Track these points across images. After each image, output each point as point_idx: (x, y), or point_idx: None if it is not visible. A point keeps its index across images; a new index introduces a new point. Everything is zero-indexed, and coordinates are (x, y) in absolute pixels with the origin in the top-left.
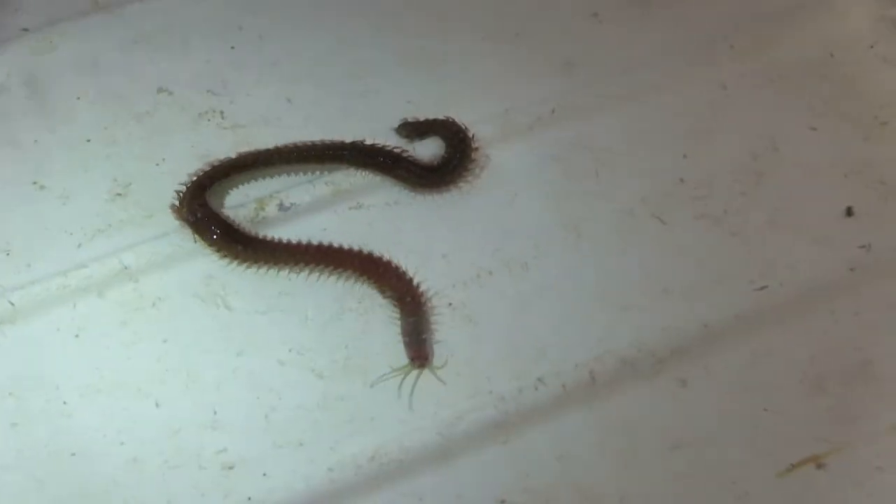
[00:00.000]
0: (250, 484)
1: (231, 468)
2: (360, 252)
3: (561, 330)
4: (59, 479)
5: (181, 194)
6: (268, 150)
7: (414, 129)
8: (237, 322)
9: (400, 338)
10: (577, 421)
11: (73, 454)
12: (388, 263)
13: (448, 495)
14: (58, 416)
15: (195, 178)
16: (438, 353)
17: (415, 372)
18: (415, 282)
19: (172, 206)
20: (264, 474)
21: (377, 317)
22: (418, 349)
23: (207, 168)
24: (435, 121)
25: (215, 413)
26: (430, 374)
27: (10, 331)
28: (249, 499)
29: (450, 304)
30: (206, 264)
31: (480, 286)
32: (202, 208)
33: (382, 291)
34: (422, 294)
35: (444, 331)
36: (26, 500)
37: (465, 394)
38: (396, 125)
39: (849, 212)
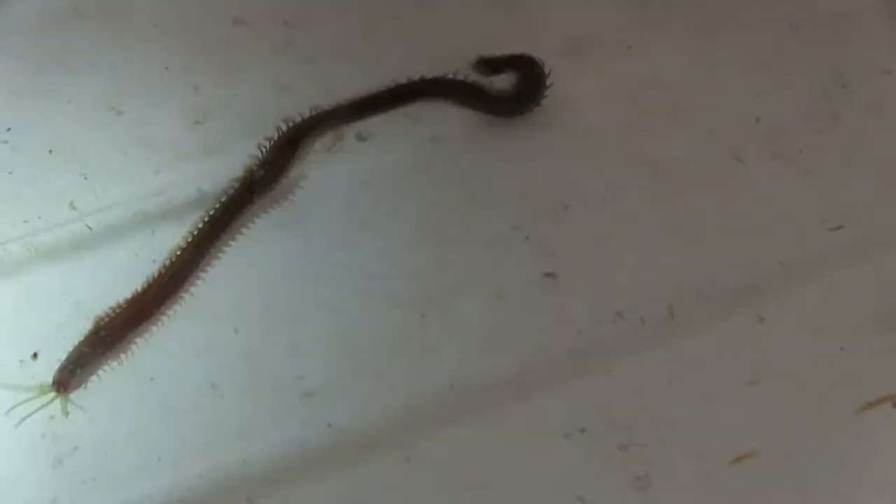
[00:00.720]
0: (329, 411)
1: (310, 395)
2: None
3: (638, 265)
4: (137, 403)
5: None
6: (360, 99)
7: (489, 65)
8: (316, 250)
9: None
10: (655, 354)
11: (152, 378)
12: None
13: (526, 424)
14: (136, 341)
15: (283, 133)
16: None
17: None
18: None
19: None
20: (343, 402)
21: (455, 249)
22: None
23: (300, 120)
24: (510, 56)
25: (294, 340)
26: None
27: (88, 255)
28: (329, 425)
29: (527, 237)
30: (284, 191)
31: (558, 220)
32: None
33: None
34: None
35: (521, 263)
36: (103, 424)
37: (541, 326)
38: (473, 61)
39: None
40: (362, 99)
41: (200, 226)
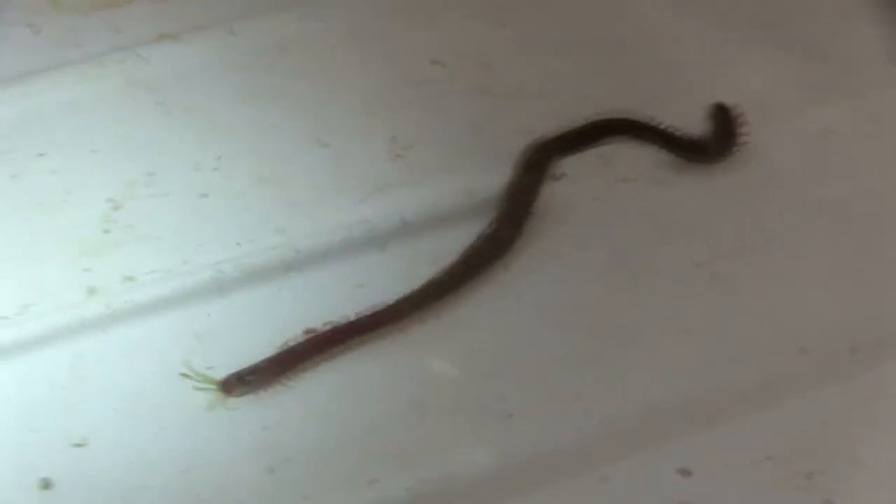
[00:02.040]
0: (528, 431)
1: (511, 416)
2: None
3: (822, 304)
4: (343, 416)
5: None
6: (568, 133)
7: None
8: (511, 282)
9: (657, 313)
10: (839, 388)
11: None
12: None
13: (715, 452)
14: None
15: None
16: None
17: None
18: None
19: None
20: (541, 423)
21: (645, 284)
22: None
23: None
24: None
25: (496, 364)
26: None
27: (297, 277)
28: (532, 446)
29: (714, 274)
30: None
31: (744, 260)
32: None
33: None
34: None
35: (707, 300)
36: (311, 434)
37: (729, 358)
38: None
39: None
40: (569, 132)
41: (441, 277)
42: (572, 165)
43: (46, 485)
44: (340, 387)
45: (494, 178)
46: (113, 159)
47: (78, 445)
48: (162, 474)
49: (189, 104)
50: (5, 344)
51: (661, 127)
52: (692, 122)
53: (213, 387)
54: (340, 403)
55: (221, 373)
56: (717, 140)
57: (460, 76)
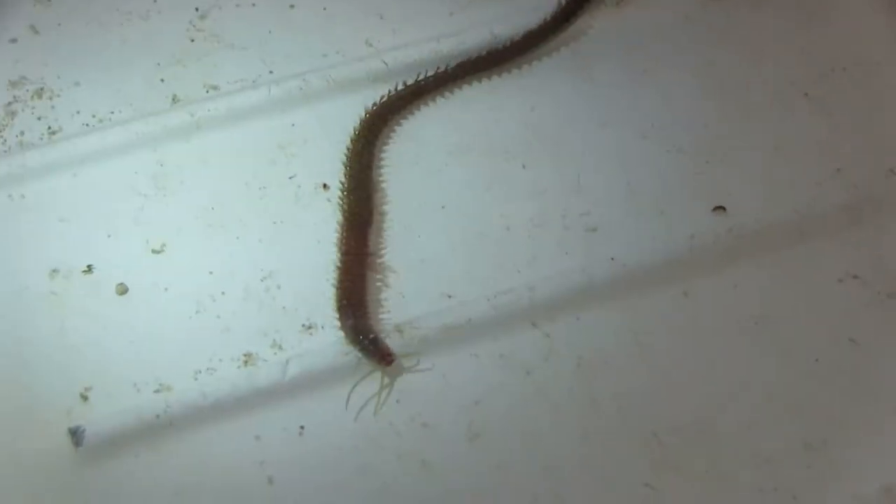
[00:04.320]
0: (612, 246)
1: (594, 230)
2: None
3: None
4: (430, 231)
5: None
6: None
7: None
8: (601, 96)
9: (747, 131)
10: None
11: (443, 207)
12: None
13: (801, 269)
14: (430, 173)
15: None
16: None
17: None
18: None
19: None
20: (625, 238)
21: (735, 102)
22: (377, 349)
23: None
24: None
25: (579, 179)
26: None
27: (382, 89)
28: (612, 259)
29: (805, 94)
30: (569, 39)
31: (835, 80)
32: None
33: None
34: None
35: (799, 118)
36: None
37: (817, 179)
38: None
39: None
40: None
41: (495, 49)
42: None
43: (123, 290)
44: (423, 204)
45: None
46: None
47: (156, 252)
48: (242, 281)
49: None
50: (89, 149)
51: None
52: None
53: (383, 369)
54: (424, 218)
55: (303, 181)
56: None
57: None
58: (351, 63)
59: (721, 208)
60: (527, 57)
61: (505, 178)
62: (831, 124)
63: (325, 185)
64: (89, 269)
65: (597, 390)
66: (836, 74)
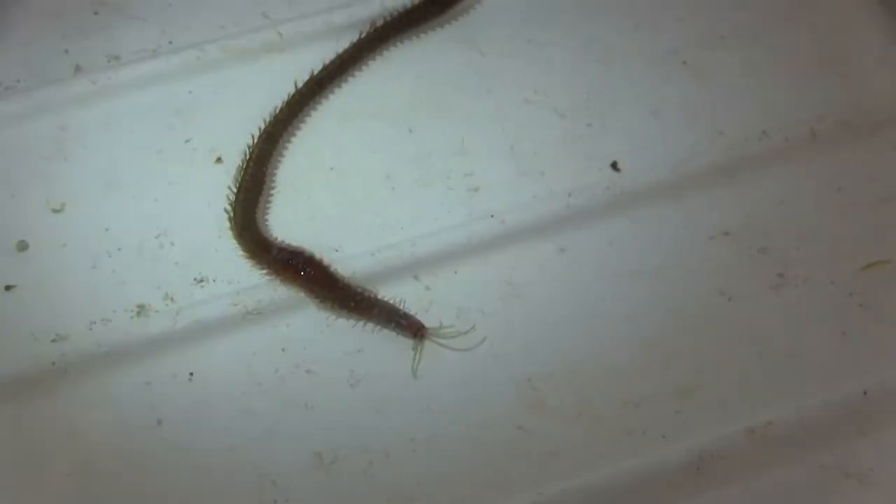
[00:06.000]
0: (492, 204)
1: (476, 190)
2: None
3: (784, 91)
4: (320, 191)
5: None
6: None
7: None
8: (487, 64)
9: (627, 96)
10: (797, 172)
11: (332, 168)
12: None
13: (674, 226)
14: (320, 136)
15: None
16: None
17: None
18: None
19: None
20: (506, 197)
21: (617, 69)
22: (412, 324)
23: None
24: None
25: (463, 143)
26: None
27: (277, 59)
28: (492, 216)
29: (684, 62)
30: (460, 9)
31: (712, 48)
32: None
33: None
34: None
35: (676, 84)
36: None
37: (694, 140)
38: None
39: None
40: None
41: (379, 24)
42: None
43: (23, 246)
44: (311, 165)
45: None
46: None
47: (56, 211)
48: (137, 238)
49: None
50: None
51: None
52: None
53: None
54: (313, 180)
55: (198, 145)
56: None
57: None
58: (247, 34)
59: (614, 166)
60: (416, 30)
61: (392, 141)
62: (708, 89)
63: (219, 159)
64: None
65: (474, 339)
66: (715, 42)
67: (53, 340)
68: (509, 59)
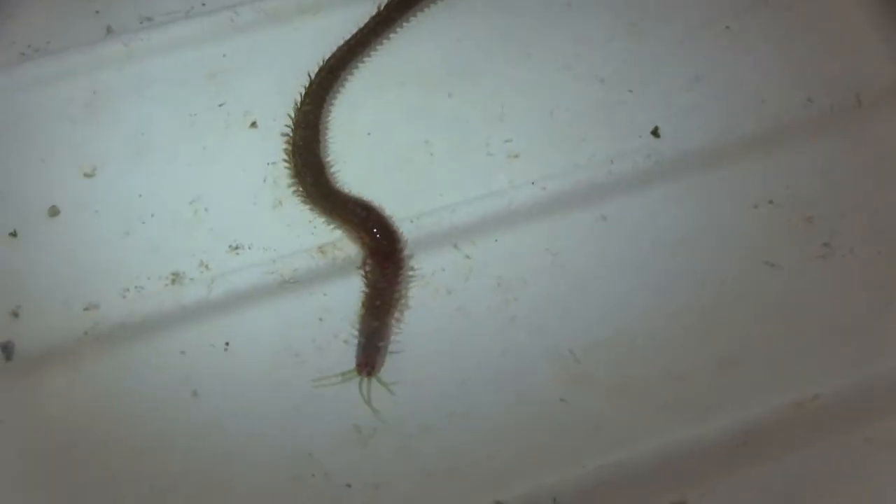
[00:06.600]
0: (533, 171)
1: (516, 157)
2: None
3: (829, 58)
4: (355, 157)
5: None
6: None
7: None
8: (525, 28)
9: (668, 63)
10: (842, 139)
11: (369, 134)
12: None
13: (717, 194)
14: (356, 103)
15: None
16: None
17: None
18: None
19: None
20: (546, 163)
21: (657, 36)
22: (368, 357)
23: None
24: None
25: (503, 109)
26: (377, 382)
27: (311, 20)
28: (532, 183)
29: (727, 27)
30: None
31: (756, 13)
32: None
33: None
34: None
35: (718, 50)
36: None
37: (736, 108)
38: None
39: None
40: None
41: None
42: None
43: (54, 212)
44: (351, 131)
45: None
46: None
47: (88, 176)
48: (171, 204)
49: None
50: (24, 78)
51: None
52: None
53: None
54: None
55: (232, 109)
56: None
57: None
58: None
59: (656, 133)
60: None
61: (430, 107)
62: (751, 55)
63: (253, 123)
64: (22, 192)
65: (515, 309)
66: (758, 7)
67: (86, 309)
68: (547, 24)
